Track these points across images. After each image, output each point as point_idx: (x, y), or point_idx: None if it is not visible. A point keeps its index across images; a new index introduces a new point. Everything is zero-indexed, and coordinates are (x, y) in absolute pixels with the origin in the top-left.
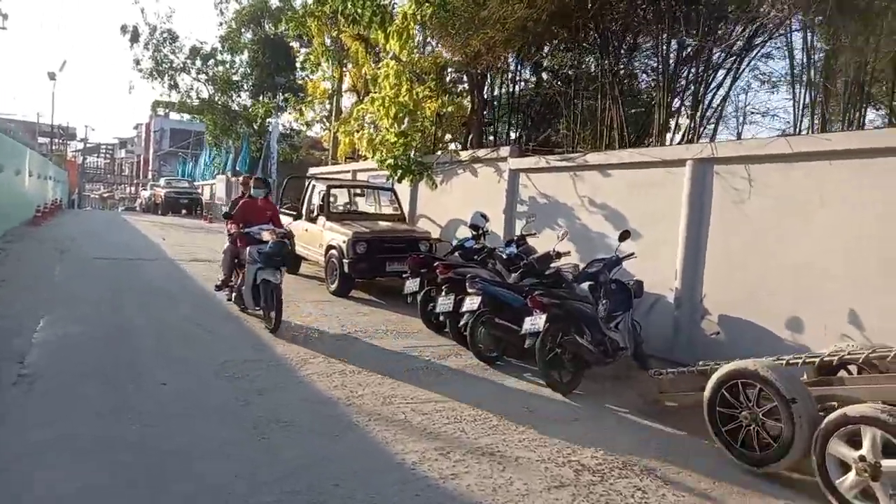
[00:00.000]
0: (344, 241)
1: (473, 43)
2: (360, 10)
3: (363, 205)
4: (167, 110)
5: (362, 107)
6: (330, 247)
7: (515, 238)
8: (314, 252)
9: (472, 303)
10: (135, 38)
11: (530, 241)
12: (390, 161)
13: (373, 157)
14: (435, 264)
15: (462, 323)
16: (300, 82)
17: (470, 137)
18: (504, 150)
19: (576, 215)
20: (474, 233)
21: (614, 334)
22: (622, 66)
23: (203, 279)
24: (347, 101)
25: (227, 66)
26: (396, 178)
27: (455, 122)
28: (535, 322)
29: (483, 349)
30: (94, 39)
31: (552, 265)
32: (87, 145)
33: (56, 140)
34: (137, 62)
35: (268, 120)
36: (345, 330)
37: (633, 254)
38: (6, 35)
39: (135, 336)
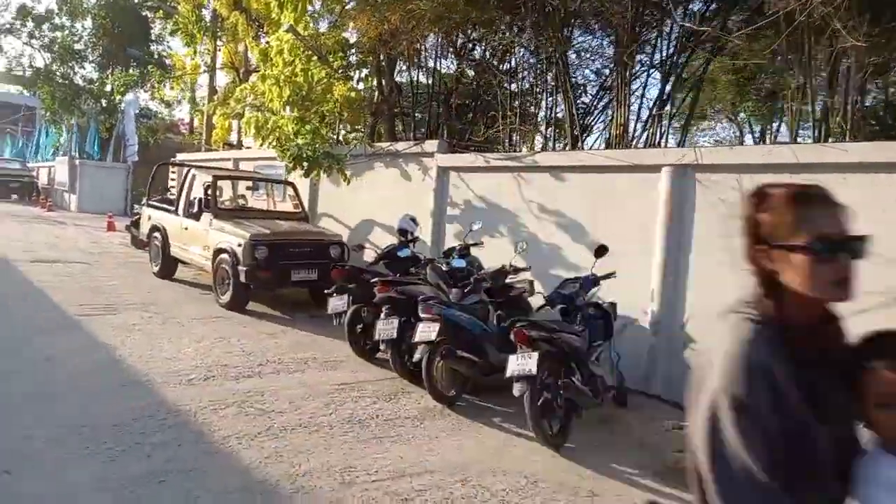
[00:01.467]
0: (239, 245)
1: (391, 18)
2: None
3: (255, 201)
4: None
5: (245, 86)
6: (220, 250)
7: (458, 247)
8: (197, 256)
9: (427, 331)
10: None
11: (474, 251)
12: (293, 151)
13: (262, 144)
14: (372, 280)
15: (418, 357)
16: (159, 56)
17: (375, 129)
18: (430, 145)
19: (522, 224)
20: (402, 238)
21: (598, 370)
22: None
23: (56, 291)
24: (222, 80)
25: (67, 32)
26: (302, 171)
27: (356, 110)
28: (525, 363)
29: (441, 387)
30: None
31: (507, 282)
32: None
33: None
34: None
35: (123, 97)
36: (253, 360)
37: (613, 273)
38: None
39: None
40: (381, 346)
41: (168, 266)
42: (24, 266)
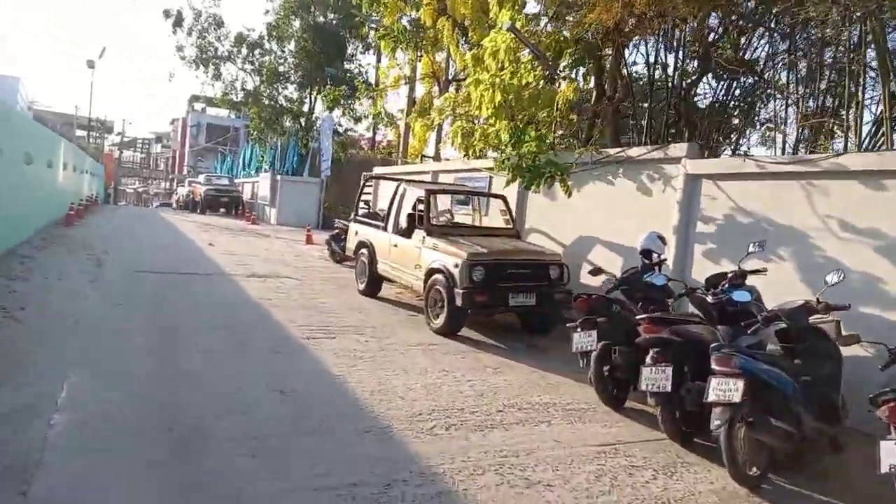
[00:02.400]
0: (456, 265)
1: (615, 8)
2: None
3: (460, 215)
4: (205, 105)
5: (449, 95)
6: (433, 271)
7: (730, 274)
8: (407, 275)
9: (728, 389)
10: (178, 22)
11: (752, 280)
12: (512, 161)
13: (467, 154)
14: (640, 318)
15: (716, 424)
16: (351, 74)
17: (593, 134)
18: (676, 149)
19: (816, 246)
20: (645, 261)
21: None
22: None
23: (276, 309)
24: (419, 91)
25: (275, 55)
26: (522, 182)
27: (576, 114)
28: None
29: (743, 463)
30: (134, 25)
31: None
32: (124, 139)
33: (94, 133)
34: (180, 48)
35: (331, 112)
36: (488, 403)
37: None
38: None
39: (207, 422)
40: (650, 400)
41: (374, 284)
42: (242, 281)
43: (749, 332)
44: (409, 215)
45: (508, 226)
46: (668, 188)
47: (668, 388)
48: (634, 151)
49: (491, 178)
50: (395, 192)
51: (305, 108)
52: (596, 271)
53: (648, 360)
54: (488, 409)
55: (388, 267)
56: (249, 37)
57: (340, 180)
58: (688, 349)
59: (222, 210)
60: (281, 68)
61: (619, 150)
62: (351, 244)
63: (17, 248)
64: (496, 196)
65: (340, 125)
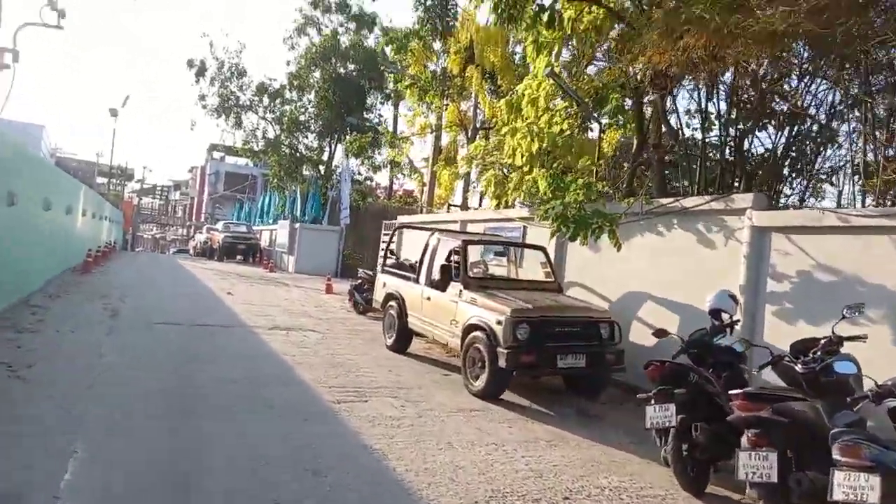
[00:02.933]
0: (498, 322)
1: (695, 41)
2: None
3: (494, 267)
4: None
5: (479, 143)
6: (472, 327)
7: (823, 341)
8: (442, 331)
9: (859, 486)
10: (201, 72)
11: (848, 347)
12: (556, 210)
13: (499, 203)
14: (732, 393)
15: None
16: (374, 121)
17: (634, 184)
18: (741, 200)
19: None
20: (715, 322)
21: None
22: None
23: (301, 367)
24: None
25: (296, 105)
26: (566, 234)
27: (613, 162)
28: None
29: None
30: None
31: None
32: (144, 186)
33: (114, 179)
34: (202, 97)
35: (339, 163)
36: (552, 488)
37: None
38: (74, 71)
39: None
40: (750, 491)
41: (403, 339)
42: (264, 335)
43: (855, 409)
44: (444, 266)
45: (549, 279)
46: (730, 241)
47: (774, 479)
48: (690, 202)
49: (525, 227)
50: (428, 243)
51: (325, 157)
52: (660, 333)
53: (745, 442)
54: (553, 496)
55: (420, 321)
56: (271, 87)
57: (358, 229)
58: (794, 432)
59: (239, 257)
60: (301, 117)
61: (671, 199)
62: (378, 296)
63: (30, 296)
64: (536, 247)
65: (360, 174)
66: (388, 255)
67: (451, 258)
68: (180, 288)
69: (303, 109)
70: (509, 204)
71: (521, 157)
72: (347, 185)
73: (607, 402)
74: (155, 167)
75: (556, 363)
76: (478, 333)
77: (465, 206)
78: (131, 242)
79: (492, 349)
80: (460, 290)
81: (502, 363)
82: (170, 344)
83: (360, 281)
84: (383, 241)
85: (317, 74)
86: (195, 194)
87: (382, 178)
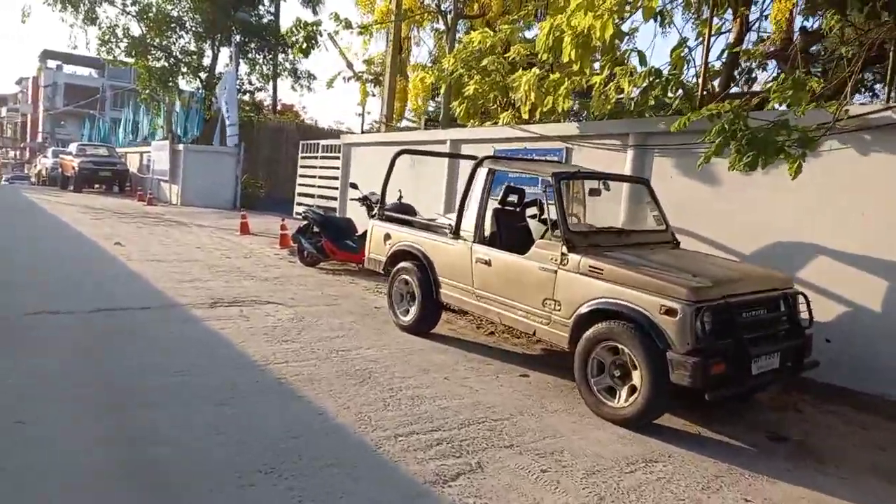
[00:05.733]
0: (667, 310)
1: None
2: None
3: (589, 213)
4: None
5: (485, 31)
6: (601, 314)
7: None
8: (520, 314)
9: None
10: None
11: None
12: (719, 125)
13: (531, 115)
14: None
15: None
16: (266, 21)
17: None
18: None
19: None
20: None
21: None
22: None
23: (309, 388)
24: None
25: None
26: (740, 160)
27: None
28: None
29: None
30: None
31: None
32: None
33: None
34: None
35: (312, 49)
36: None
37: None
38: None
39: None
40: None
41: (430, 318)
42: (211, 321)
43: None
44: (512, 214)
45: (660, 227)
46: None
47: None
48: None
49: (568, 149)
50: (474, 176)
51: (206, 63)
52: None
53: None
54: None
55: (465, 294)
56: None
57: (251, 151)
58: None
59: (101, 187)
60: (174, 12)
61: (882, 107)
62: (378, 253)
63: None
64: (639, 181)
65: (250, 83)
66: (381, 193)
67: (508, 200)
68: (48, 241)
69: (174, 4)
70: (555, 114)
71: (569, 49)
72: (233, 96)
73: (791, 416)
74: None
75: (752, 370)
76: (616, 327)
77: (453, 122)
78: None
79: (653, 354)
80: (562, 254)
81: (680, 377)
82: (65, 372)
83: (305, 223)
84: (319, 168)
85: None
86: (28, 111)
87: (285, 92)
